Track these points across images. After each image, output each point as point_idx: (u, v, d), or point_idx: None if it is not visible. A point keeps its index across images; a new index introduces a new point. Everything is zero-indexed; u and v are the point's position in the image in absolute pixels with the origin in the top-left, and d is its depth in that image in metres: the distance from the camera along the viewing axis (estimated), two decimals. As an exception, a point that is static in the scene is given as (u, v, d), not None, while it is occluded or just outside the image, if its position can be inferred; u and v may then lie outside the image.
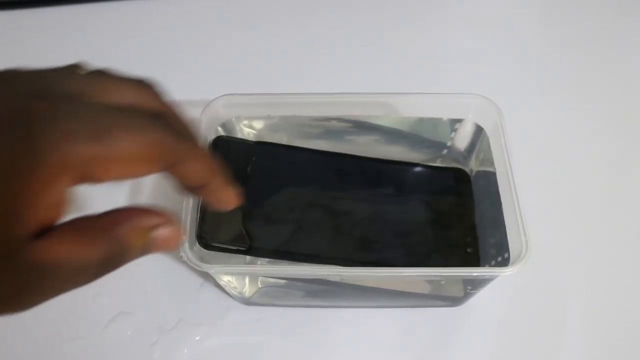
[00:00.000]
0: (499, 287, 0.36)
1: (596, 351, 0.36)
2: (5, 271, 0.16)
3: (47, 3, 0.54)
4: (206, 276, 0.38)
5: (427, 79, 0.50)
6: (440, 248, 0.36)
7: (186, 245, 0.29)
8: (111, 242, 0.18)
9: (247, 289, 0.37)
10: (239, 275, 0.36)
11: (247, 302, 0.38)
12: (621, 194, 0.43)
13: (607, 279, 0.39)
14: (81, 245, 0.17)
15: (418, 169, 0.39)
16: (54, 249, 0.16)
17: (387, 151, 0.39)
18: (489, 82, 0.48)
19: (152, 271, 0.39)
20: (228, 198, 0.22)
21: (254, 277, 0.37)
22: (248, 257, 0.36)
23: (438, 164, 0.40)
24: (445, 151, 0.39)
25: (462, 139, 0.38)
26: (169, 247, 0.19)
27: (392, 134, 0.39)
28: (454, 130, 0.38)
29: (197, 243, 0.32)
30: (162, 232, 0.19)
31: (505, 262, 0.31)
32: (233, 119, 0.37)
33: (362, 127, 0.38)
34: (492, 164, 0.34)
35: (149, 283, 0.38)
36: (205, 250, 0.32)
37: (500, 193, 0.33)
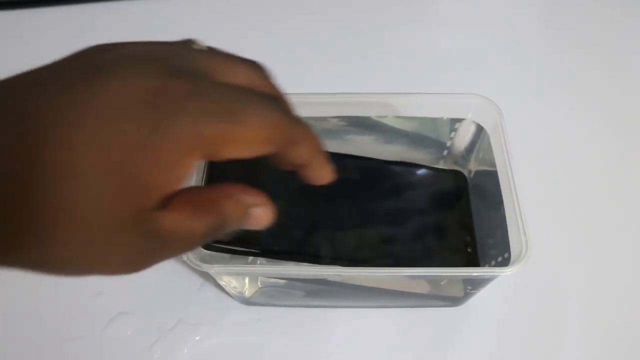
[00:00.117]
0: (499, 287, 0.36)
1: (596, 351, 0.36)
2: (135, 238, 0.17)
3: (47, 3, 0.54)
4: (206, 276, 0.38)
5: (427, 78, 0.50)
6: (440, 248, 0.36)
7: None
8: (217, 215, 0.19)
9: (247, 289, 0.37)
10: (239, 275, 0.36)
11: (247, 302, 0.38)
12: (621, 194, 0.43)
13: (607, 279, 0.39)
14: (193, 216, 0.18)
15: (417, 170, 0.39)
16: (174, 219, 0.17)
17: (387, 151, 0.39)
18: (489, 82, 0.48)
19: (152, 271, 0.38)
20: (327, 175, 0.23)
21: (254, 277, 0.37)
22: (248, 257, 0.36)
23: (438, 164, 0.40)
24: (445, 151, 0.40)
25: (462, 139, 0.38)
26: (260, 225, 0.20)
27: (392, 134, 0.39)
28: (454, 130, 0.38)
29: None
30: (259, 211, 0.20)
31: (505, 262, 0.31)
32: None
33: (362, 127, 0.38)
34: (492, 163, 0.34)
35: (149, 283, 0.38)
36: (206, 251, 0.32)
37: (501, 193, 0.33)
